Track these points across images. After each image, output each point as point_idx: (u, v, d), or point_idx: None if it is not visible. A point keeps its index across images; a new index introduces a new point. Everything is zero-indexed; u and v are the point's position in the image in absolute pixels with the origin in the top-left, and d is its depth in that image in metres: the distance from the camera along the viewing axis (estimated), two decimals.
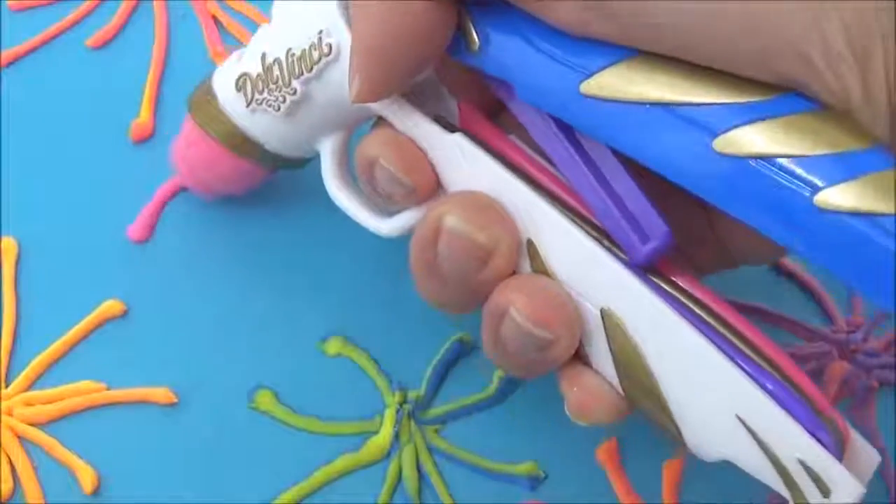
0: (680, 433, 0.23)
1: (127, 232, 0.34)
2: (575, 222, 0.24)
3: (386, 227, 0.27)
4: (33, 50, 0.37)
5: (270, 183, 0.33)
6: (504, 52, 0.23)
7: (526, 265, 0.25)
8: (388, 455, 0.30)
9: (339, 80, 0.26)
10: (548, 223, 0.24)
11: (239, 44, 0.38)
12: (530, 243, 0.24)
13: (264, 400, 0.31)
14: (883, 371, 0.32)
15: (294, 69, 0.26)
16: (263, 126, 0.28)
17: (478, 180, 0.25)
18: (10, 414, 0.30)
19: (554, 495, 0.30)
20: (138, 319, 0.32)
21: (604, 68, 0.22)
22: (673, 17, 0.20)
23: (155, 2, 0.38)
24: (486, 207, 0.24)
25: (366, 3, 0.23)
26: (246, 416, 0.31)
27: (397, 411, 0.31)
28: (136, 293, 0.33)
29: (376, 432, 0.31)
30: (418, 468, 0.30)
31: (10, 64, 0.37)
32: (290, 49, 0.26)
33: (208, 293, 0.33)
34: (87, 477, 0.29)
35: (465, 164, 0.25)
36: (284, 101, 0.27)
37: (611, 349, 0.24)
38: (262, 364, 0.32)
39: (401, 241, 0.33)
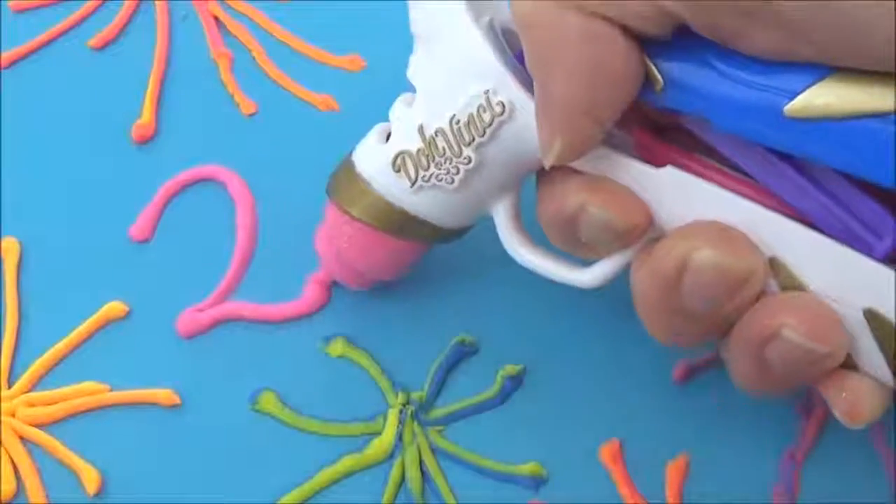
0: None
1: (129, 232, 0.34)
2: (815, 228, 0.23)
3: (588, 277, 0.26)
4: (34, 51, 0.37)
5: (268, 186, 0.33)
6: (693, 87, 0.22)
7: (773, 284, 0.24)
8: (391, 456, 0.30)
9: (517, 138, 0.25)
10: (788, 235, 0.23)
11: (239, 44, 0.38)
12: (773, 260, 0.23)
13: (267, 401, 0.31)
14: None
15: (463, 137, 0.25)
16: (432, 202, 0.27)
17: (696, 209, 0.24)
18: (12, 415, 0.30)
19: (557, 496, 0.30)
20: (141, 320, 0.32)
21: (807, 87, 0.21)
22: (879, 33, 0.19)
23: (156, 2, 0.38)
24: (730, 236, 0.23)
25: (559, 55, 0.22)
26: (249, 418, 0.31)
27: (400, 412, 0.31)
28: (138, 294, 0.33)
29: (379, 433, 0.31)
30: (421, 469, 0.30)
31: (10, 65, 0.37)
32: (453, 116, 0.25)
33: (211, 294, 0.33)
34: (90, 478, 0.29)
35: (679, 195, 0.24)
36: (458, 172, 0.26)
37: (879, 345, 0.23)
38: (264, 365, 0.32)
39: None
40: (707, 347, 0.32)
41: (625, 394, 0.31)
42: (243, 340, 0.32)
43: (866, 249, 0.23)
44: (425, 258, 0.31)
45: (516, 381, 0.32)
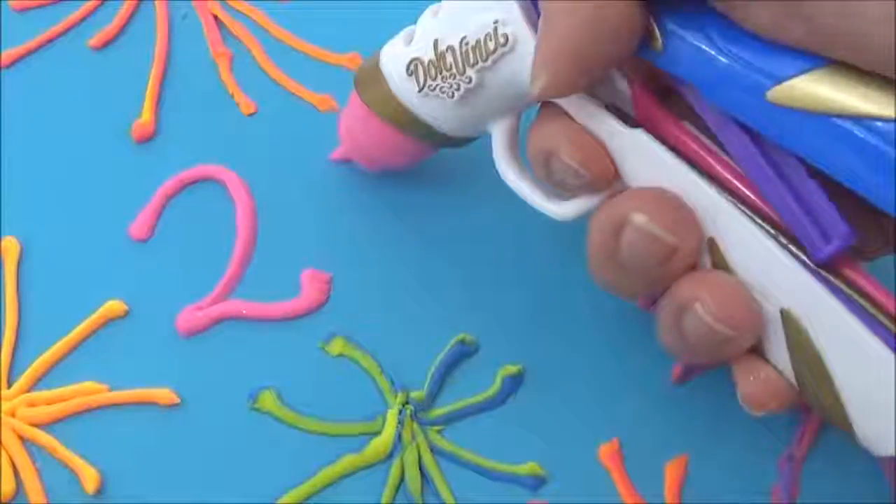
0: (853, 429, 0.24)
1: (128, 231, 0.34)
2: (756, 222, 0.24)
3: (559, 210, 0.27)
4: (34, 50, 0.37)
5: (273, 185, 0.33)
6: (688, 53, 0.23)
7: (706, 261, 0.25)
8: (390, 456, 0.30)
9: (514, 70, 0.26)
10: (730, 222, 0.24)
11: (239, 43, 0.38)
12: (711, 241, 0.24)
13: (267, 400, 0.31)
14: None
15: (468, 58, 0.27)
16: (434, 110, 0.29)
17: (658, 175, 0.25)
18: (12, 415, 0.30)
19: (556, 496, 0.30)
20: (140, 319, 0.32)
21: (793, 76, 0.21)
22: (880, 29, 0.20)
23: (156, 2, 0.38)
24: (673, 208, 0.24)
25: (565, 1, 0.23)
26: (248, 417, 0.31)
27: (400, 412, 0.31)
28: (137, 293, 0.33)
29: (379, 433, 0.31)
30: (421, 469, 0.30)
31: (11, 64, 0.37)
32: (464, 37, 0.27)
33: (210, 293, 0.33)
34: (89, 477, 0.29)
35: (644, 159, 0.25)
36: (458, 88, 0.27)
37: (788, 347, 0.24)
38: (264, 364, 0.32)
39: (401, 244, 0.34)
40: None
41: (624, 394, 0.31)
42: (243, 339, 0.32)
43: (812, 248, 0.23)
44: (423, 258, 0.31)
45: (516, 381, 0.32)
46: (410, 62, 0.28)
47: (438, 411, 0.31)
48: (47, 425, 0.30)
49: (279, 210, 0.34)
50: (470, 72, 0.27)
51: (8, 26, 0.37)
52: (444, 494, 0.30)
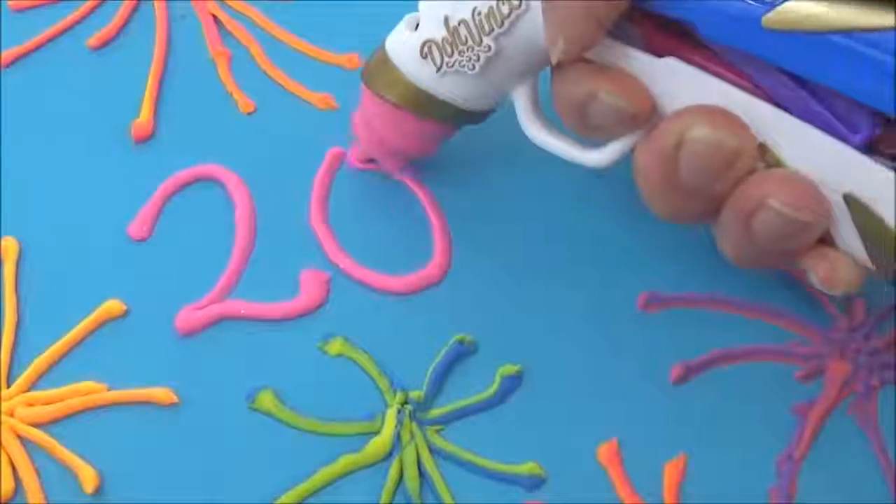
0: None
1: (127, 230, 0.34)
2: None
3: (598, 157, 0.28)
4: (33, 50, 0.37)
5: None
6: None
7: (761, 167, 0.25)
8: (389, 456, 0.30)
9: (532, 29, 0.26)
10: (776, 123, 0.25)
11: (238, 43, 0.38)
12: (762, 146, 0.25)
13: (265, 400, 0.31)
14: (884, 371, 0.32)
15: (483, 27, 0.27)
16: (454, 86, 0.29)
17: (695, 97, 0.25)
18: (11, 414, 0.30)
19: (555, 496, 0.30)
20: (139, 319, 0.32)
21: (784, 0, 0.23)
22: None
23: (155, 2, 0.38)
24: (724, 115, 0.25)
25: None
26: (247, 417, 0.31)
27: (398, 412, 0.31)
28: (136, 293, 0.33)
29: (377, 433, 0.31)
30: (419, 469, 0.30)
31: (10, 64, 0.37)
32: (475, 8, 0.27)
33: (209, 292, 0.33)
34: (88, 477, 0.29)
35: (679, 84, 0.25)
36: (478, 59, 0.28)
37: (857, 228, 0.24)
38: (263, 364, 0.32)
39: (399, 243, 0.34)
40: (705, 349, 0.32)
41: (623, 394, 0.31)
42: (241, 339, 0.32)
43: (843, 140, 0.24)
44: (423, 258, 0.31)
45: (515, 381, 0.32)
46: (423, 44, 0.28)
47: (437, 411, 0.31)
48: (46, 425, 0.30)
49: (278, 210, 0.34)
50: (487, 40, 0.27)
51: (7, 26, 0.37)
52: (443, 494, 0.30)
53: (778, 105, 0.25)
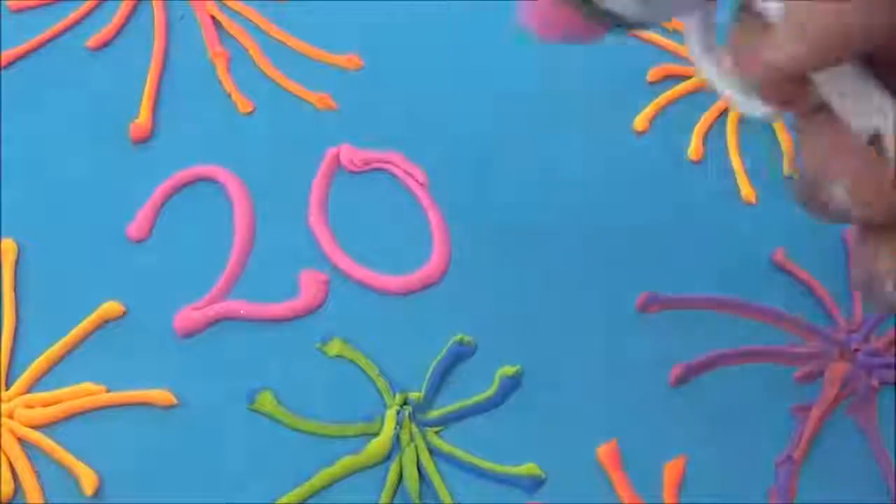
0: None
1: (126, 231, 0.34)
2: None
3: (757, 109, 0.24)
4: (33, 51, 0.37)
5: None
6: None
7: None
8: (388, 457, 0.30)
9: None
10: None
11: (237, 43, 0.38)
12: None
13: (265, 401, 0.31)
14: (884, 371, 0.32)
15: None
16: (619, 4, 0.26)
17: (869, 115, 0.20)
18: (10, 417, 0.30)
19: (554, 497, 0.30)
20: (138, 320, 0.32)
21: None
22: None
23: (154, 3, 0.38)
24: (876, 178, 0.20)
25: None
26: (246, 418, 0.31)
27: (398, 413, 0.31)
28: (135, 294, 0.32)
29: (377, 434, 0.31)
30: (419, 470, 0.30)
31: (9, 64, 0.37)
32: None
33: (208, 293, 0.33)
34: (87, 479, 0.29)
35: (856, 98, 0.21)
36: None
37: None
38: (262, 365, 0.32)
39: (398, 243, 0.34)
40: (704, 350, 0.32)
41: (622, 395, 0.31)
42: (240, 340, 0.32)
43: None
44: (422, 258, 0.31)
45: (514, 382, 0.31)
46: None
47: (437, 412, 0.31)
48: (45, 427, 0.30)
49: (277, 210, 0.34)
50: None
51: (6, 27, 0.37)
52: (443, 495, 0.30)
53: None
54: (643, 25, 0.28)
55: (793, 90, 0.21)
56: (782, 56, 0.20)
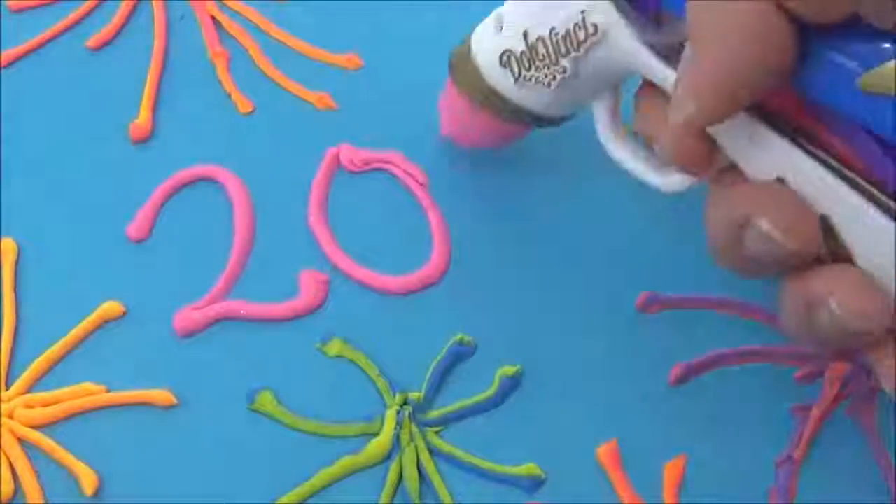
0: None
1: (126, 231, 0.34)
2: (872, 200, 0.22)
3: (665, 181, 0.27)
4: (33, 50, 0.37)
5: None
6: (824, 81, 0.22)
7: (823, 252, 0.23)
8: (388, 457, 0.30)
9: (609, 57, 0.26)
10: (843, 204, 0.22)
11: (237, 43, 0.38)
12: (824, 218, 0.22)
13: (265, 401, 0.31)
14: None
15: (560, 48, 0.26)
16: (532, 97, 0.29)
17: (770, 160, 0.23)
18: (10, 416, 0.30)
19: (554, 497, 0.30)
20: (138, 320, 0.32)
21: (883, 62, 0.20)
22: None
23: (154, 3, 0.38)
24: (792, 207, 0.22)
25: (724, 28, 0.21)
26: (246, 418, 0.31)
27: (398, 413, 0.31)
28: (135, 294, 0.33)
29: (377, 434, 0.31)
30: (419, 470, 0.30)
31: (9, 64, 0.37)
32: (553, 28, 0.26)
33: (208, 293, 0.33)
34: (87, 479, 0.29)
35: (754, 146, 0.23)
36: (555, 78, 0.27)
37: None
38: (262, 365, 0.32)
39: (398, 243, 0.34)
40: (704, 350, 0.32)
41: (622, 395, 0.31)
42: (240, 340, 0.32)
43: None
44: (421, 258, 0.31)
45: (514, 382, 0.31)
46: (503, 54, 0.28)
47: (436, 412, 0.31)
48: (45, 427, 0.30)
49: (277, 210, 0.34)
50: (564, 62, 0.27)
51: (6, 26, 0.37)
52: (443, 495, 0.30)
53: (872, 175, 0.22)
54: (562, 118, 0.30)
55: (700, 150, 0.23)
56: (681, 116, 0.22)
